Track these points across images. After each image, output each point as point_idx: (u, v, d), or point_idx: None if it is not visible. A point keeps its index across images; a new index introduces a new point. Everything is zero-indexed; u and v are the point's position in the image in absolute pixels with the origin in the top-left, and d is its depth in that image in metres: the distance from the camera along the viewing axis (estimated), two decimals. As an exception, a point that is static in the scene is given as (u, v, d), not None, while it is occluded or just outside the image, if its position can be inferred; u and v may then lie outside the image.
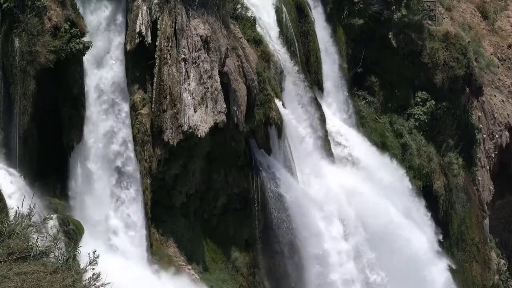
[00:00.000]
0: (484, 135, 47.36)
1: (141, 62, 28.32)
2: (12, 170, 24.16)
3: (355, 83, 41.35)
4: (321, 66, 37.80)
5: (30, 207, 13.49)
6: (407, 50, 42.48)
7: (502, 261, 48.78)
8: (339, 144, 38.01)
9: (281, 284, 32.56)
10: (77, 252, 13.56)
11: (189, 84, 28.47)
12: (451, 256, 42.01)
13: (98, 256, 12.19)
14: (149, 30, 28.05)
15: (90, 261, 11.99)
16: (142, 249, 27.68)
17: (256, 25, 33.48)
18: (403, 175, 40.14)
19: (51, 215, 22.25)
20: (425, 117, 42.40)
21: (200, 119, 28.39)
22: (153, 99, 28.20)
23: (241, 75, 30.15)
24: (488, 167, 47.89)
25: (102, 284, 12.30)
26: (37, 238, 13.14)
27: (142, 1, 28.07)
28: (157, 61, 28.19)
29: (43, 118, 25.19)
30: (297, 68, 35.49)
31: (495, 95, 49.72)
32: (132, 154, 27.84)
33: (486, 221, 46.70)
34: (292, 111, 33.81)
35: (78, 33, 25.32)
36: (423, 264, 37.74)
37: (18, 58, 24.12)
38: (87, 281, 12.11)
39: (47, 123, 25.49)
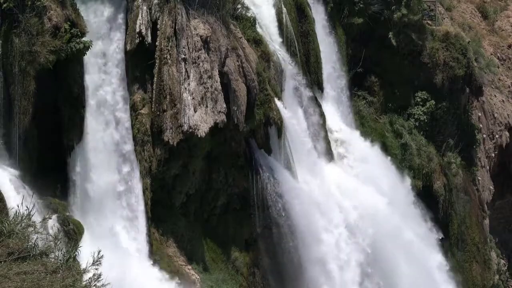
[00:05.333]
0: (484, 135, 47.35)
1: (141, 62, 28.31)
2: (12, 170, 24.15)
3: (355, 83, 41.33)
4: (321, 66, 37.78)
5: (28, 207, 13.46)
6: (407, 50, 42.47)
7: (502, 261, 48.77)
8: (339, 144, 37.99)
9: (281, 284, 32.54)
10: (77, 252, 13.53)
11: (189, 84, 28.46)
12: (451, 256, 42.01)
13: (102, 256, 12.15)
14: (149, 30, 28.05)
15: (93, 261, 11.95)
16: (142, 249, 27.66)
17: (256, 25, 33.47)
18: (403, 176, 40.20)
19: (50, 215, 22.23)
20: (425, 117, 42.39)
21: (200, 119, 28.38)
22: (153, 99, 28.20)
23: (241, 75, 30.14)
24: (488, 167, 47.89)
25: (103, 285, 12.27)
26: (37, 238, 13.12)
27: (142, 1, 28.06)
28: (157, 61, 28.18)
29: (43, 118, 25.18)
30: (297, 68, 35.48)
31: (495, 95, 49.71)
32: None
33: (486, 221, 46.68)
34: (292, 111, 33.79)
35: (78, 33, 25.30)
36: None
37: (18, 58, 24.11)
38: (87, 281, 12.08)
39: (47, 123, 25.48)
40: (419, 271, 37.53)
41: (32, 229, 12.97)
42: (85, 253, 13.69)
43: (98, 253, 11.95)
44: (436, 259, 39.39)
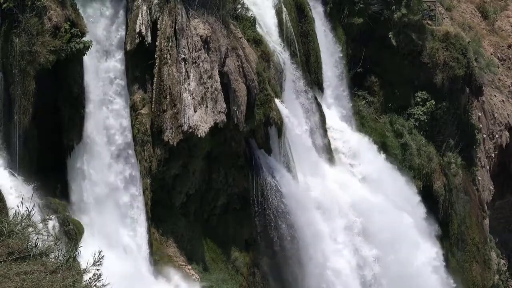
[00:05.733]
0: (484, 135, 47.36)
1: (141, 62, 28.31)
2: (12, 170, 24.14)
3: (355, 83, 41.34)
4: (321, 66, 37.79)
5: (28, 207, 13.44)
6: (407, 50, 42.47)
7: (502, 261, 48.78)
8: (338, 144, 37.99)
9: (281, 284, 32.54)
10: (77, 252, 13.52)
11: (189, 84, 28.46)
12: (451, 256, 42.00)
13: (103, 257, 12.12)
14: (149, 30, 28.04)
15: (94, 261, 11.93)
16: (142, 249, 27.65)
17: (256, 25, 33.47)
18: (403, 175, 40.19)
19: (51, 216, 22.20)
20: (425, 117, 42.39)
21: (200, 119, 28.38)
22: (153, 99, 28.20)
23: (241, 75, 30.13)
24: (488, 167, 47.90)
25: (103, 285, 12.26)
26: (37, 238, 13.11)
27: (142, 1, 28.06)
28: (157, 61, 28.17)
29: (43, 118, 25.16)
30: (297, 68, 35.48)
31: (495, 95, 49.72)
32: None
33: (486, 221, 46.69)
34: (292, 111, 33.79)
35: (78, 33, 25.29)
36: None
37: (18, 58, 24.10)
38: (87, 281, 12.06)
39: (47, 123, 25.46)
40: None
41: (32, 229, 12.96)
42: (85, 253, 13.69)
43: (99, 253, 11.93)
44: None
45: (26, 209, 13.56)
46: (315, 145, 35.51)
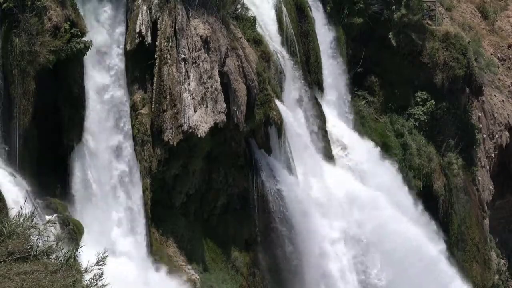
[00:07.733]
0: (484, 135, 47.35)
1: (141, 62, 28.31)
2: (12, 170, 24.13)
3: (355, 83, 41.33)
4: (321, 66, 37.78)
5: (34, 207, 13.45)
6: (407, 50, 42.47)
7: (502, 261, 48.78)
8: (338, 144, 37.98)
9: (281, 284, 32.54)
10: (78, 252, 13.51)
11: (189, 84, 28.46)
12: (451, 256, 41.99)
13: (106, 256, 12.12)
14: (149, 30, 28.04)
15: (97, 261, 11.92)
16: (142, 249, 27.66)
17: (256, 25, 33.48)
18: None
19: (55, 220, 22.23)
20: (425, 117, 42.40)
21: (200, 119, 28.38)
22: (153, 99, 28.19)
23: (241, 75, 30.14)
24: (488, 167, 47.89)
25: (103, 285, 12.26)
26: (37, 238, 13.10)
27: (142, 1, 28.06)
28: (157, 61, 28.17)
29: (43, 118, 25.17)
30: (297, 68, 35.48)
31: (495, 95, 49.72)
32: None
33: (486, 221, 46.69)
34: (292, 111, 33.79)
35: (78, 33, 25.29)
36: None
37: (18, 58, 24.10)
38: (88, 281, 12.06)
39: (47, 123, 25.47)
40: None
41: (34, 230, 12.95)
42: (85, 253, 13.68)
43: (103, 253, 11.92)
44: None
45: (28, 209, 13.56)
46: (315, 145, 35.51)
